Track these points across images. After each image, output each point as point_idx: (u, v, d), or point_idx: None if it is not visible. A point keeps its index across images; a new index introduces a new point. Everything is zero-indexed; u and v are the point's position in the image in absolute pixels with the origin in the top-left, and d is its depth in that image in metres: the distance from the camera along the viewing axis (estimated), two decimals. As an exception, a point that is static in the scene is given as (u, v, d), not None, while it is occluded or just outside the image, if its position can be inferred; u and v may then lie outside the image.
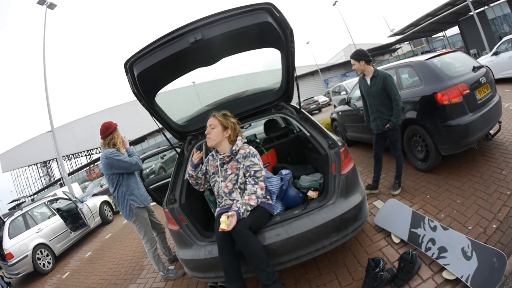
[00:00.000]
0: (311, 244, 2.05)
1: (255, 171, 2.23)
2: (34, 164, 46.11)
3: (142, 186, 3.19)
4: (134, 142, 35.05)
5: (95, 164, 37.30)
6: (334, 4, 32.15)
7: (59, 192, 9.21)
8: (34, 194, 41.13)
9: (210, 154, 2.47)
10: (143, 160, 4.33)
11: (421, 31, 30.35)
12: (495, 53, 8.03)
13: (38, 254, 5.66)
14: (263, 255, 1.93)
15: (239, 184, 2.26)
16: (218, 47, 2.28)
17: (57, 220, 6.48)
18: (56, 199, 7.36)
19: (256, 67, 3.03)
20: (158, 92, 2.59)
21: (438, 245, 2.16)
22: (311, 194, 2.51)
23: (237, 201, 2.21)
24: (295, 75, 2.66)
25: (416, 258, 2.04)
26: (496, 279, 1.76)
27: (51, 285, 4.93)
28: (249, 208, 2.07)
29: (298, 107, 2.89)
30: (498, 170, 3.10)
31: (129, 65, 2.23)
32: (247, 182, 2.24)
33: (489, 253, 1.88)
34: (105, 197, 8.56)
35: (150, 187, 3.90)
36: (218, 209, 2.38)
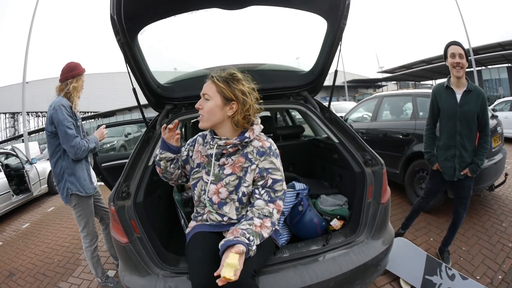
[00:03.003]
0: None
1: (275, 181, 1.38)
2: (3, 113, 43.41)
3: (90, 168, 2.41)
4: (102, 115, 34.10)
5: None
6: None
7: (11, 147, 8.00)
8: None
9: (201, 134, 1.57)
10: (107, 127, 3.62)
11: (411, 75, 31.16)
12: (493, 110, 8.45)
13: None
14: None
15: (240, 194, 1.39)
16: None
17: (0, 178, 5.55)
18: (7, 154, 6.42)
19: (291, 34, 2.20)
20: (146, 27, 1.75)
21: (457, 295, 2.01)
22: (335, 224, 1.84)
23: (236, 221, 1.41)
24: (337, 62, 2.03)
25: None
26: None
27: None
28: (258, 242, 1.26)
29: (327, 106, 2.24)
30: (498, 222, 3.17)
31: None
32: (257, 195, 1.38)
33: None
34: None
35: (103, 165, 3.04)
36: (193, 223, 1.55)
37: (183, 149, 1.56)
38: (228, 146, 1.37)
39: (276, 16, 1.82)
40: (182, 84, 2.19)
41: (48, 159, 10.67)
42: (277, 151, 1.44)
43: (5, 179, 5.60)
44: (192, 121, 2.40)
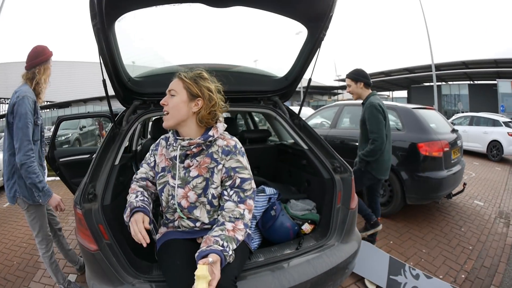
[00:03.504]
0: None
1: (243, 180, 1.34)
2: None
3: (42, 169, 2.13)
4: (57, 105, 32.89)
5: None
6: (297, 34, 33.36)
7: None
8: None
9: (164, 137, 1.51)
10: (63, 120, 3.23)
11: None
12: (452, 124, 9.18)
13: None
14: None
15: (209, 196, 1.34)
16: None
17: None
18: None
19: (270, 39, 2.18)
20: (124, 15, 1.63)
21: (423, 293, 2.11)
22: (306, 228, 1.88)
23: (209, 225, 1.37)
24: (311, 69, 2.06)
25: None
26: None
27: None
28: (235, 246, 1.23)
29: (297, 112, 2.26)
30: (457, 227, 3.39)
31: None
32: (226, 197, 1.34)
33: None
34: None
35: (61, 160, 2.83)
36: (163, 229, 1.48)
37: (148, 155, 1.51)
38: (192, 146, 1.33)
39: (257, 19, 1.80)
40: (153, 79, 2.08)
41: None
42: (243, 149, 1.41)
43: None
44: (153, 118, 2.31)
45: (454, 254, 2.78)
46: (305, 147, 2.05)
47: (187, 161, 1.36)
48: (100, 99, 33.32)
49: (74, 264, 2.58)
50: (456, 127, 8.62)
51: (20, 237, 3.74)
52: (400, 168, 3.44)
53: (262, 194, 1.96)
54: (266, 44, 2.22)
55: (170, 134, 1.41)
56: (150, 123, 3.08)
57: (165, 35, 1.99)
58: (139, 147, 2.64)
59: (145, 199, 1.37)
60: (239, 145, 1.40)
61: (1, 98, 38.19)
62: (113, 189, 1.61)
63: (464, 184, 3.87)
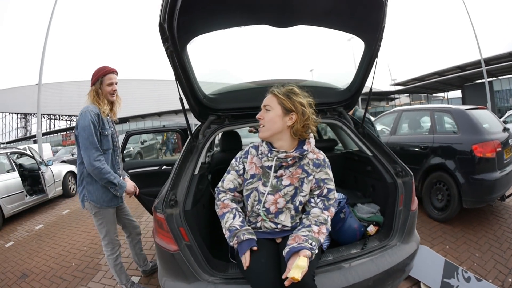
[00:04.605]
0: None
1: (329, 190, 1.51)
2: (15, 113, 44.63)
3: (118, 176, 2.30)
4: (116, 122, 35.17)
5: (73, 131, 36.17)
6: (349, 40, 32.87)
7: (27, 148, 8.05)
8: (7, 143, 39.26)
9: (253, 145, 1.62)
10: (132, 134, 3.54)
11: (423, 87, 31.00)
12: (504, 122, 8.53)
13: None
14: None
15: (296, 203, 1.48)
16: (302, 7, 1.67)
17: (14, 177, 5.54)
18: (21, 154, 6.42)
19: (331, 53, 2.32)
20: (195, 38, 1.78)
21: (473, 296, 2.15)
22: (371, 229, 1.99)
23: (289, 228, 1.51)
24: (372, 80, 2.14)
25: None
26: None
27: (-9, 249, 4.17)
28: (317, 247, 1.39)
29: (360, 121, 2.33)
30: (508, 230, 3.31)
31: None
32: (313, 204, 1.50)
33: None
34: (73, 167, 7.54)
35: (129, 172, 3.03)
36: None
37: (235, 162, 1.60)
38: (289, 159, 1.45)
39: (318, 35, 1.90)
40: (226, 96, 2.24)
41: (61, 162, 10.79)
42: (329, 163, 1.56)
43: (19, 178, 5.59)
44: (223, 131, 2.51)
45: (504, 258, 2.76)
46: (370, 153, 2.14)
47: (280, 171, 1.48)
48: (158, 114, 35.20)
49: (142, 265, 2.72)
50: (508, 125, 8.08)
51: (80, 241, 4.01)
52: (457, 172, 3.38)
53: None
54: (326, 57, 2.37)
55: (263, 145, 1.51)
56: (218, 137, 3.26)
57: (234, 54, 2.15)
58: (207, 159, 2.80)
59: (243, 218, 1.51)
60: (327, 159, 1.55)
61: (56, 114, 42.11)
62: (193, 196, 1.77)
63: None
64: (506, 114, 8.89)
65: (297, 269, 1.20)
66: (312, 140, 1.51)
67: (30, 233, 4.67)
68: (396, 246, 1.76)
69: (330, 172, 1.53)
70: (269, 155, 1.46)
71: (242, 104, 1.78)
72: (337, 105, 2.37)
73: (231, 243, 1.43)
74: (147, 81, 38.92)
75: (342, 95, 2.37)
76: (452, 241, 3.14)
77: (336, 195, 1.55)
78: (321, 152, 1.58)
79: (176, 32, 1.59)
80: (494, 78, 25.40)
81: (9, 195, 5.22)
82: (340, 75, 2.35)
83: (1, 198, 5.04)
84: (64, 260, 3.43)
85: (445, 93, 33.75)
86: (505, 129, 3.80)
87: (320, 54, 2.27)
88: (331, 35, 1.89)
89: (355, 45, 2.02)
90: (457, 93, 30.76)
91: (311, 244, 1.32)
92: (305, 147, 1.46)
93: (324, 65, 2.43)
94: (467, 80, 26.26)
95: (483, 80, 17.51)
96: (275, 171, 1.48)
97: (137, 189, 2.36)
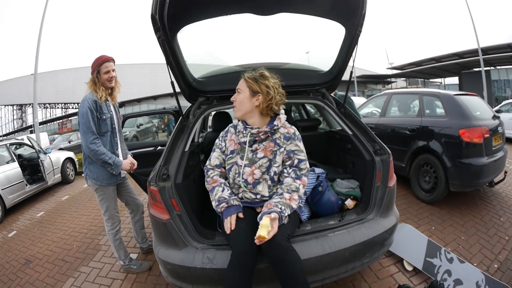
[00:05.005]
0: (344, 264, 1.72)
1: (300, 161, 1.66)
2: (11, 105, 43.89)
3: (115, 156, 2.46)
4: None
5: (69, 119, 35.74)
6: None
7: (26, 138, 8.20)
8: (4, 135, 38.54)
9: (232, 125, 1.84)
10: (128, 117, 3.71)
11: (420, 72, 30.59)
12: (497, 111, 8.50)
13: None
14: (304, 279, 1.45)
15: (271, 174, 1.66)
16: None
17: (14, 168, 5.60)
18: (20, 144, 6.47)
19: (313, 39, 2.45)
20: (184, 27, 1.92)
21: (454, 277, 2.20)
22: (349, 203, 2.12)
23: (268, 198, 1.67)
24: (352, 63, 2.25)
25: None
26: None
27: (-5, 240, 4.25)
28: (289, 212, 1.56)
29: (342, 101, 2.46)
30: (496, 216, 3.35)
31: None
32: (285, 174, 1.67)
33: (501, 288, 1.97)
34: (71, 154, 7.67)
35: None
36: None
37: (218, 141, 1.80)
38: (260, 134, 1.66)
39: (300, 22, 2.04)
40: (214, 79, 2.41)
41: (58, 149, 10.89)
42: (300, 136, 1.73)
43: (19, 168, 5.63)
44: (213, 112, 2.61)
45: (490, 243, 2.79)
46: (350, 132, 2.26)
47: (255, 145, 1.69)
48: (154, 98, 34.85)
49: (140, 242, 2.85)
50: (503, 114, 8.13)
51: (81, 224, 4.10)
52: (444, 155, 3.45)
53: (312, 173, 2.28)
54: (309, 42, 2.50)
55: (239, 123, 1.71)
56: (210, 118, 3.40)
57: (221, 40, 2.30)
58: (200, 139, 2.94)
59: (231, 191, 1.70)
60: (297, 132, 1.73)
61: (51, 103, 41.74)
62: (184, 171, 1.93)
63: (505, 172, 3.81)
64: (503, 103, 8.95)
65: (262, 228, 1.37)
66: (283, 116, 1.69)
67: (32, 221, 4.75)
68: (373, 220, 1.86)
69: (301, 144, 1.71)
70: (244, 131, 1.68)
71: (229, 86, 1.92)
72: (320, 86, 2.49)
73: (219, 208, 1.61)
74: (142, 65, 38.46)
75: (324, 77, 2.49)
76: (439, 222, 3.20)
77: (307, 165, 1.71)
78: (293, 127, 1.75)
79: (167, 22, 1.74)
80: (492, 68, 25.28)
81: (10, 185, 5.28)
82: (323, 59, 2.47)
83: (2, 189, 5.09)
84: (65, 244, 3.54)
85: (442, 79, 33.50)
86: (495, 117, 3.85)
87: (302, 39, 2.43)
88: (313, 21, 2.01)
89: (337, 31, 2.12)
90: (455, 80, 30.60)
91: (280, 209, 1.51)
92: (275, 123, 1.67)
93: (308, 49, 2.56)
94: (465, 67, 26.08)
95: (480, 69, 17.47)
96: (250, 145, 1.69)
97: (134, 166, 2.50)
